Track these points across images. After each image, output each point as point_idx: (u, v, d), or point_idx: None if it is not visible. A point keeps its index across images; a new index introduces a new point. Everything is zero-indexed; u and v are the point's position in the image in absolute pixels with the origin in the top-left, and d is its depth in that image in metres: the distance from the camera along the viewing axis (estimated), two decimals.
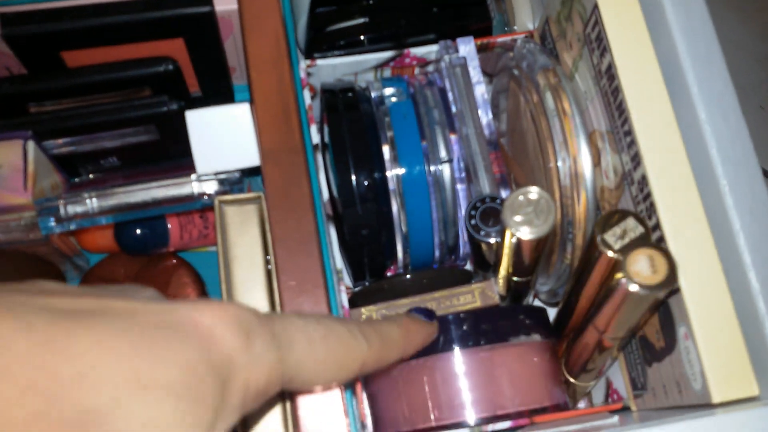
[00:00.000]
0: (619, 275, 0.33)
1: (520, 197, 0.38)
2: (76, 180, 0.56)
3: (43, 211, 0.47)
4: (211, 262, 0.58)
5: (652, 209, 0.36)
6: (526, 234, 0.38)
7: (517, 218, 0.38)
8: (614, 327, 0.38)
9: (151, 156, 0.56)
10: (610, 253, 0.35)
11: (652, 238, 0.36)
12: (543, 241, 0.39)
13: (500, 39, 0.49)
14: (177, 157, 0.57)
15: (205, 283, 0.56)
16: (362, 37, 0.50)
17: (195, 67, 0.55)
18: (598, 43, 0.39)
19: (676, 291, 0.36)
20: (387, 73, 0.52)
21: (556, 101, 0.44)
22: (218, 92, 0.58)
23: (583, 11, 0.41)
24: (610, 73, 0.38)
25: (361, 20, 0.49)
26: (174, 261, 0.55)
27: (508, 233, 0.39)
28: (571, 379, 0.48)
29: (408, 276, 0.51)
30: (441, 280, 0.52)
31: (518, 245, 0.39)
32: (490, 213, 0.41)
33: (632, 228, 0.35)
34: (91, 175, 0.56)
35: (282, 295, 0.41)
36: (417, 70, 0.52)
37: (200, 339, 0.22)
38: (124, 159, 0.56)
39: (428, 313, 0.41)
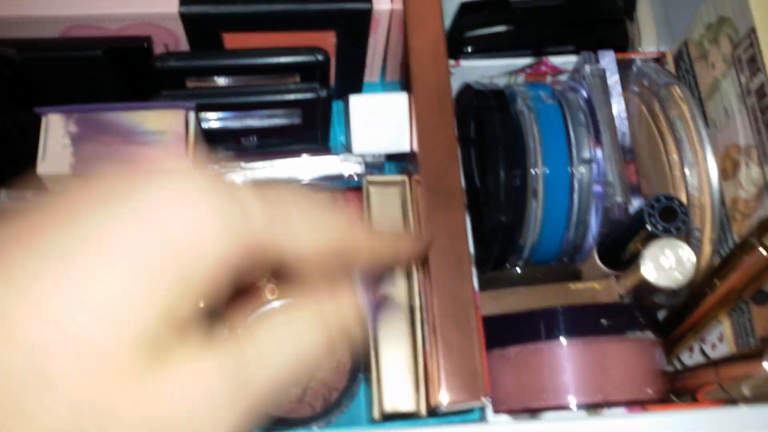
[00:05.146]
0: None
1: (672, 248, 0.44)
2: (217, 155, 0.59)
3: None
4: None
5: None
6: (653, 277, 0.43)
7: (658, 261, 0.43)
8: (734, 387, 0.42)
9: (286, 139, 0.60)
10: (764, 252, 0.38)
11: None
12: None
13: (636, 56, 0.53)
14: (308, 142, 0.61)
15: None
16: (505, 43, 0.53)
17: (337, 59, 0.59)
18: (749, 63, 0.43)
19: None
20: (520, 78, 0.56)
21: (684, 114, 0.48)
22: (351, 86, 0.62)
23: (735, 34, 0.44)
24: (762, 92, 0.42)
25: (506, 28, 0.53)
26: None
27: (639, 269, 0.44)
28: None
29: (520, 270, 0.55)
30: (553, 276, 0.55)
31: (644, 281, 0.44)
32: (668, 211, 0.45)
33: None
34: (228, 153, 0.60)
35: (430, 271, 0.45)
36: (549, 79, 0.56)
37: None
38: (262, 139, 0.60)
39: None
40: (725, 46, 0.46)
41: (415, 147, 0.48)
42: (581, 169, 0.50)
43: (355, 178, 0.51)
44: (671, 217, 0.45)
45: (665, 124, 0.48)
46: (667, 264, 0.45)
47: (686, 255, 0.43)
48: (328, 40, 0.56)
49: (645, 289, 0.47)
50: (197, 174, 0.20)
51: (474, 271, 0.49)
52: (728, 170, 0.47)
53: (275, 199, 0.22)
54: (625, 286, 0.49)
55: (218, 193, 0.20)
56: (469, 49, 0.54)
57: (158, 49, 0.56)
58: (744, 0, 0.43)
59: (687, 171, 0.48)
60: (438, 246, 0.46)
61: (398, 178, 0.51)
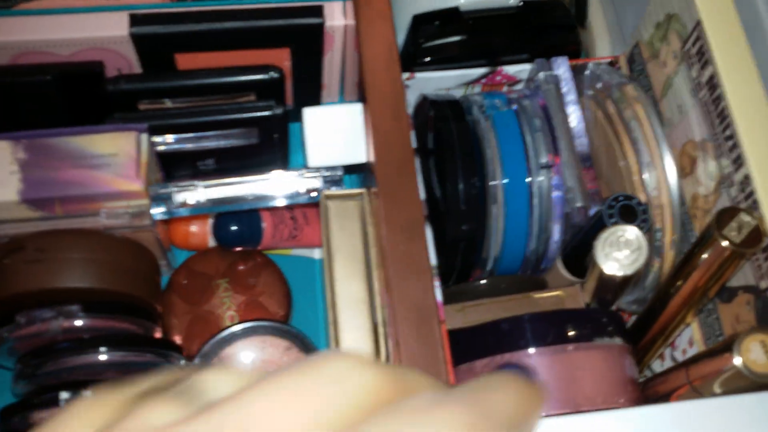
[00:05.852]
0: (737, 363, 0.36)
1: (619, 234, 0.42)
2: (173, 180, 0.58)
3: (157, 197, 0.49)
4: (295, 265, 0.60)
5: (755, 206, 0.39)
6: (613, 270, 0.41)
7: (609, 253, 0.42)
8: (706, 385, 0.41)
9: (244, 162, 0.59)
10: (725, 243, 0.38)
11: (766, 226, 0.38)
12: (629, 278, 0.43)
13: (589, 62, 0.53)
14: (268, 164, 0.60)
15: (288, 283, 0.58)
16: (459, 54, 0.53)
17: (294, 78, 0.58)
18: (698, 57, 0.43)
19: None
20: (477, 89, 0.55)
21: (638, 114, 0.48)
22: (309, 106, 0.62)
23: (683, 29, 0.44)
24: (712, 84, 0.42)
25: (459, 38, 0.53)
26: (261, 259, 0.57)
27: (597, 265, 0.43)
28: None
29: (484, 281, 0.54)
30: (518, 287, 0.54)
31: (605, 277, 0.43)
32: (628, 210, 0.44)
33: (746, 222, 0.38)
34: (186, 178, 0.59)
35: (389, 280, 0.44)
36: (505, 88, 0.56)
37: None
38: (220, 162, 0.59)
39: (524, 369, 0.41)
40: (674, 42, 0.46)
41: (371, 157, 0.47)
42: (540, 176, 0.49)
43: (314, 194, 0.50)
44: (631, 217, 0.44)
45: (621, 126, 0.48)
46: (619, 252, 0.44)
47: (634, 235, 0.42)
48: (282, 58, 0.56)
49: (608, 286, 0.46)
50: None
51: (437, 282, 0.48)
52: (686, 167, 0.46)
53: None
54: (589, 290, 0.48)
55: None
56: (426, 60, 0.53)
57: (111, 74, 0.56)
58: None
59: (644, 171, 0.47)
60: (397, 256, 0.44)
61: (356, 191, 0.50)
